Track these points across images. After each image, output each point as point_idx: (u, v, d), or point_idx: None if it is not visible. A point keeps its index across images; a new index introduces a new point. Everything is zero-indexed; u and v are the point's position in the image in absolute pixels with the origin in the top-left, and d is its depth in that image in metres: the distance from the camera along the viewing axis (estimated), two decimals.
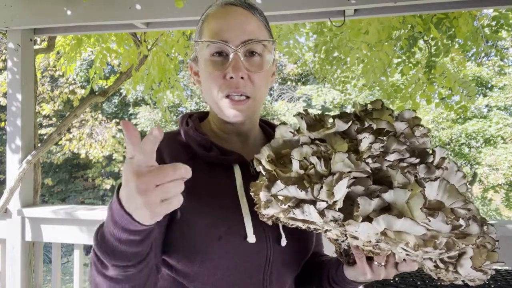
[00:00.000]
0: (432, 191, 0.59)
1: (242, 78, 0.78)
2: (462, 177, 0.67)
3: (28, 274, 2.28)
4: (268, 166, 0.66)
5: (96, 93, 2.85)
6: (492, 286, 1.17)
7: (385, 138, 0.61)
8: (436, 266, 0.65)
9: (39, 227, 2.24)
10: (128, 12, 2.14)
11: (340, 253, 0.78)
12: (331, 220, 0.59)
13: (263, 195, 0.64)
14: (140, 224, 0.55)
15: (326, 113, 0.70)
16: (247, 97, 0.80)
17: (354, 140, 0.63)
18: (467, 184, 0.68)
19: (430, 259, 0.65)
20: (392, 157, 0.61)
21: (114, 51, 3.29)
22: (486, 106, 10.71)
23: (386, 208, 0.58)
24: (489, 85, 10.99)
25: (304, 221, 0.63)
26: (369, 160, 0.60)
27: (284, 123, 0.71)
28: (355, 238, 0.61)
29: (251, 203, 0.78)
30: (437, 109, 9.02)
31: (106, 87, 3.10)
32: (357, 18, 2.39)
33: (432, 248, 0.56)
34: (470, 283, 0.67)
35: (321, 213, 0.58)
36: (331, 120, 0.66)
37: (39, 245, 2.33)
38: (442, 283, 0.71)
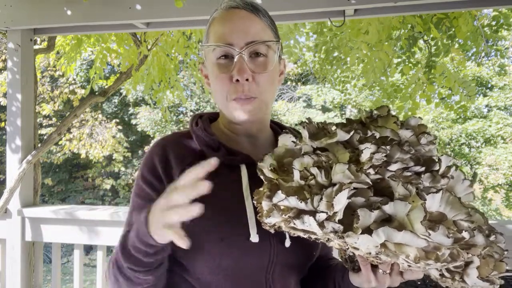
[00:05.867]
0: (435, 202, 0.58)
1: (247, 80, 0.79)
2: (469, 186, 0.66)
3: (28, 274, 2.28)
4: (270, 175, 0.66)
5: (96, 93, 2.85)
6: None
7: (388, 147, 0.61)
8: (442, 275, 0.65)
9: (39, 227, 2.24)
10: (128, 12, 2.13)
11: (345, 260, 0.78)
12: (331, 232, 0.58)
13: (265, 204, 0.65)
14: (154, 241, 0.65)
15: (330, 121, 0.70)
16: (254, 97, 0.81)
17: (356, 150, 0.62)
18: (474, 193, 0.68)
19: (436, 268, 0.64)
20: (394, 167, 0.61)
21: (114, 51, 3.29)
22: (486, 106, 10.70)
23: (387, 220, 0.58)
24: (489, 85, 10.98)
25: (304, 231, 0.63)
26: (371, 171, 0.60)
27: (286, 132, 0.72)
28: (356, 248, 0.61)
29: None
30: (437, 109, 9.02)
31: (106, 87, 3.09)
32: (357, 18, 2.39)
33: (434, 260, 0.56)
34: None
35: (321, 225, 0.58)
36: (333, 129, 0.66)
37: (39, 245, 2.33)
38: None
